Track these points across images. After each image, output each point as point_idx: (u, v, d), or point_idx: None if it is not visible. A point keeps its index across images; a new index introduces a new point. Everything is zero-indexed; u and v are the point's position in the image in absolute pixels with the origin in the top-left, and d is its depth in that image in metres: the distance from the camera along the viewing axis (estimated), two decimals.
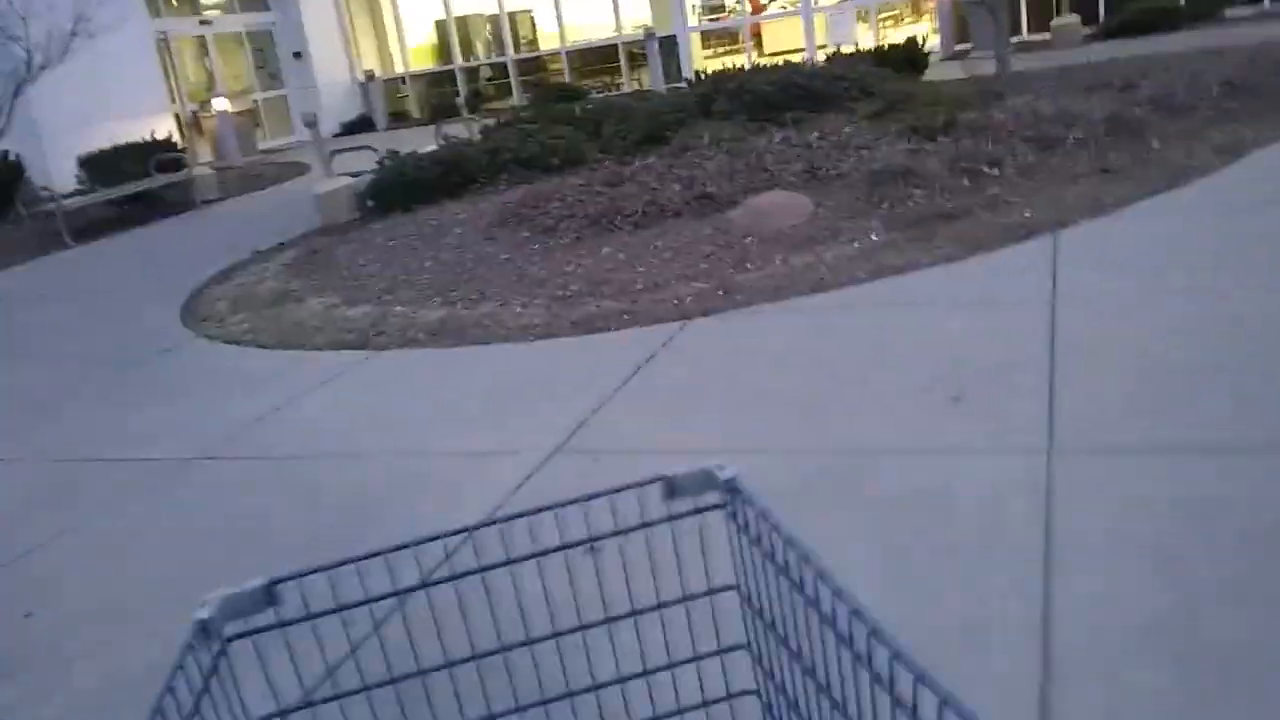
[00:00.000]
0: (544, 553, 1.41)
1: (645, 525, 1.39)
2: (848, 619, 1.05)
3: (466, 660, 1.49)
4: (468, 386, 4.72)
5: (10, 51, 13.41)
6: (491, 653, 1.50)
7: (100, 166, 13.60)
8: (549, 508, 1.36)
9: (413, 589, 1.42)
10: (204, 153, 18.85)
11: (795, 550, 1.17)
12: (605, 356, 4.74)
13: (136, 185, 12.32)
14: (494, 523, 1.37)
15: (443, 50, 22.40)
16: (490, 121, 11.67)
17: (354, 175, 9.69)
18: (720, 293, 5.39)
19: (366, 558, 1.31)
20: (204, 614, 1.25)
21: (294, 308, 6.76)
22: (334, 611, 1.35)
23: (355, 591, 1.37)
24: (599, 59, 20.91)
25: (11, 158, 12.95)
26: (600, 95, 19.89)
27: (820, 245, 5.94)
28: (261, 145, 19.01)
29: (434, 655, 1.52)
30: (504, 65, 21.51)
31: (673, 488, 1.35)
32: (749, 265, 5.78)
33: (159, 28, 17.91)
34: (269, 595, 1.29)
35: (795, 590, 1.18)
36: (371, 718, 1.53)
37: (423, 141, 14.49)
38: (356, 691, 1.46)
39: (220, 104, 16.91)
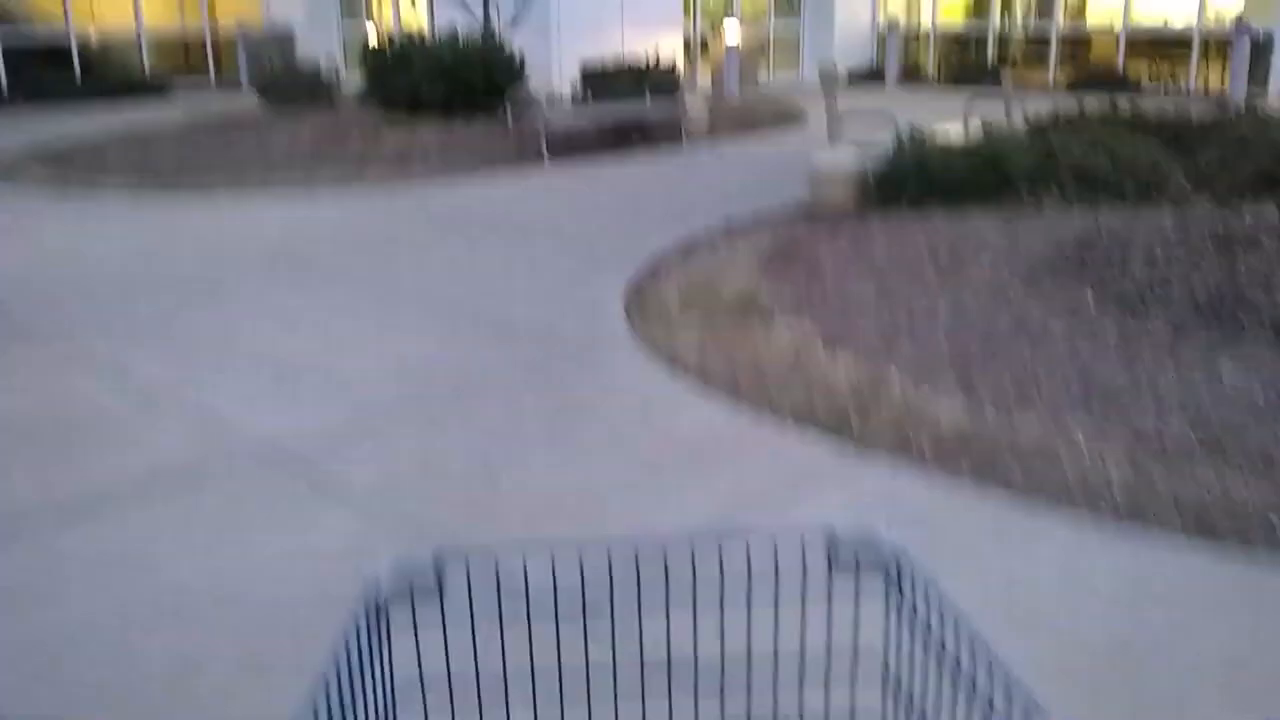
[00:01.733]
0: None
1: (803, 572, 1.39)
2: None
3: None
4: (1010, 600, 2.84)
5: None
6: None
7: (599, 79, 12.90)
8: (713, 532, 1.73)
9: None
10: (703, 77, 17.97)
11: (963, 632, 1.15)
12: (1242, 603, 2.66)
13: (629, 108, 11.38)
14: (656, 540, 1.81)
15: (977, 6, 19.85)
16: (1031, 110, 9.36)
17: (862, 146, 7.91)
18: None
19: (538, 545, 1.88)
20: (373, 581, 1.31)
21: (759, 330, 5.17)
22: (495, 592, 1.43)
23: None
24: (1161, 47, 17.39)
25: (517, 55, 12.52)
26: (1160, 92, 16.61)
27: None
28: (762, 79, 17.78)
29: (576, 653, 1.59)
30: (1044, 37, 18.59)
31: (835, 545, 1.31)
32: None
33: None
34: (436, 567, 1.33)
35: (955, 676, 1.15)
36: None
37: (939, 108, 12.40)
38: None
39: (732, 29, 15.75)
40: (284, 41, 18.22)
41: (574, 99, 12.54)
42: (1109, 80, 16.61)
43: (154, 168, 10.06)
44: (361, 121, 12.02)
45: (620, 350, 5.00)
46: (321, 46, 18.31)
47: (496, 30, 12.99)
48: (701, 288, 5.97)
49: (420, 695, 1.46)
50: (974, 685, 1.09)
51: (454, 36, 12.48)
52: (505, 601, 1.42)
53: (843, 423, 4.01)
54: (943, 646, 1.18)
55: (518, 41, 12.79)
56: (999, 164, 7.29)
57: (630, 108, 11.42)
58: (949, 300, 5.33)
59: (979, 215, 6.93)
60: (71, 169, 10.17)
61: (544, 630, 1.66)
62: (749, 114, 13.82)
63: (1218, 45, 16.53)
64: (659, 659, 1.54)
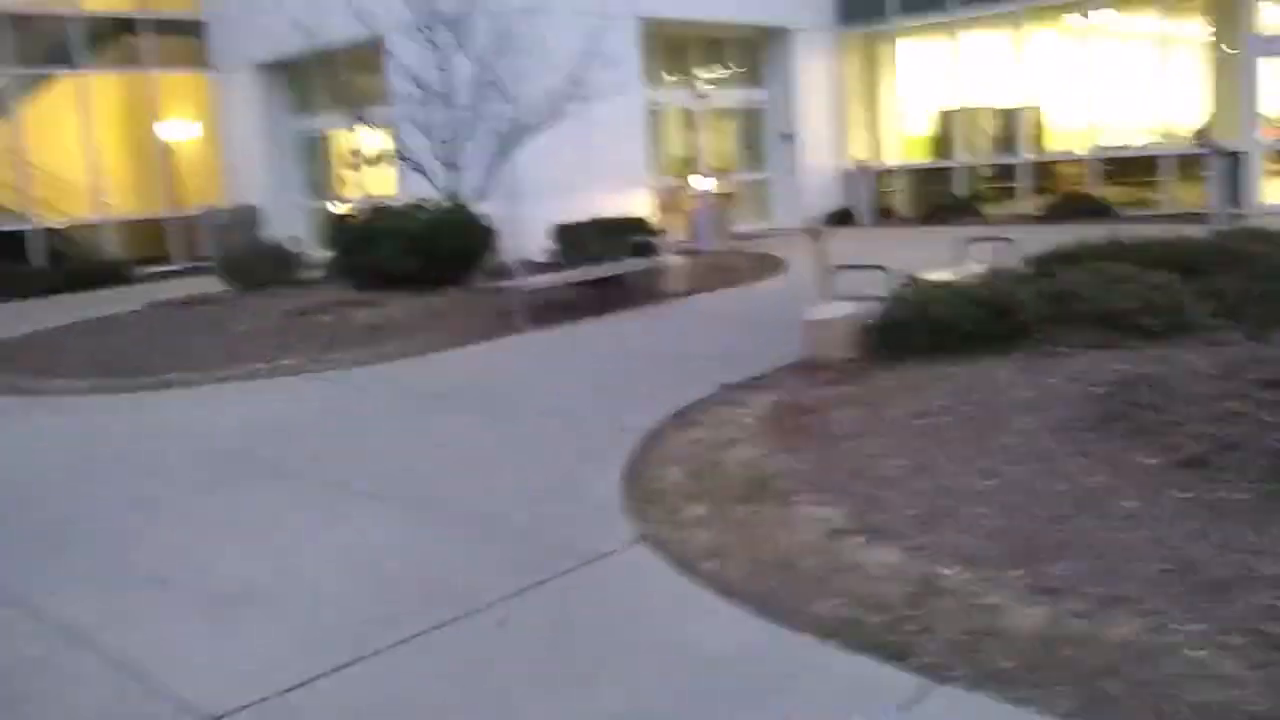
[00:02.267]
0: None
1: None
2: None
3: None
4: None
5: (503, 111, 12.81)
6: None
7: (571, 239, 12.57)
8: None
9: None
10: (675, 231, 17.77)
11: None
12: None
13: (606, 268, 10.99)
14: None
15: (941, 144, 19.99)
16: (1025, 247, 9.01)
17: (858, 299, 7.46)
18: None
19: None
20: None
21: (777, 514, 4.54)
22: None
23: None
24: (1131, 169, 17.42)
25: (487, 222, 12.20)
26: (1136, 216, 16.51)
27: None
28: (736, 229, 17.61)
29: None
30: (1010, 167, 18.66)
31: None
32: None
33: (654, 98, 17.09)
34: None
35: None
36: None
37: (918, 248, 12.11)
38: None
39: (703, 183, 15.64)
40: (248, 220, 17.95)
41: (549, 260, 12.18)
42: (1082, 206, 16.51)
43: (108, 362, 9.48)
44: (330, 299, 11.55)
45: (621, 552, 4.34)
46: (288, 223, 18.08)
47: (463, 197, 12.72)
48: (707, 466, 5.36)
49: None
50: None
51: (421, 205, 12.17)
52: None
53: (900, 642, 3.34)
54: None
55: (486, 207, 12.50)
56: (1009, 307, 6.82)
57: (607, 266, 11.03)
58: (989, 468, 4.73)
59: (995, 363, 6.41)
60: (16, 368, 9.58)
61: None
62: (727, 265, 13.49)
63: (1183, 163, 16.53)
64: None
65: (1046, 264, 7.92)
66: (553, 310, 10.54)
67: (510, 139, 12.64)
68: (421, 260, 11.41)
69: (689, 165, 18.26)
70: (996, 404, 5.61)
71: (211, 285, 14.13)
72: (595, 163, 15.24)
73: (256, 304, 11.62)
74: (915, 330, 6.87)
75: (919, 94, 20.09)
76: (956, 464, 4.84)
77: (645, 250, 12.14)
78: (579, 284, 10.79)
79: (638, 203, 15.81)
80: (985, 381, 6.06)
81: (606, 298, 11.02)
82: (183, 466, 6.11)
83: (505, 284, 10.41)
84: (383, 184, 17.16)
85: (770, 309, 9.99)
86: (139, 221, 18.92)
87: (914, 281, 7.39)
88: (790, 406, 6.28)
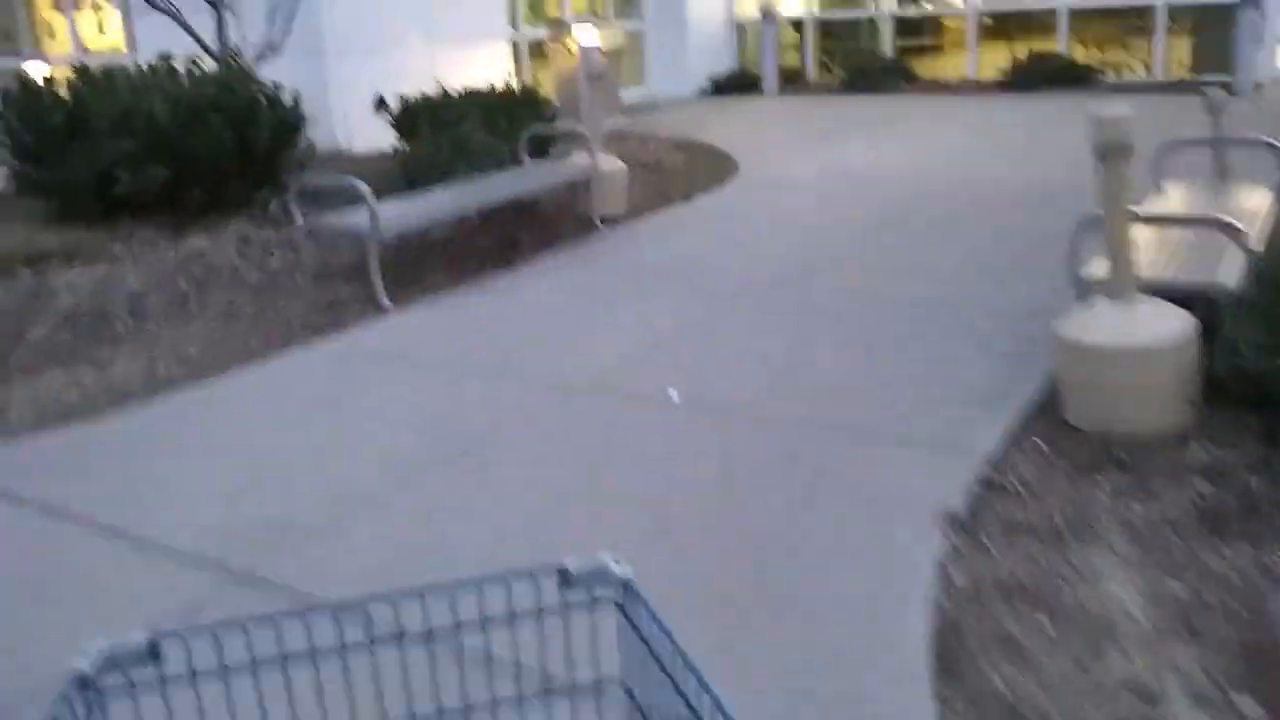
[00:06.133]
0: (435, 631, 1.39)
1: (539, 612, 1.37)
2: None
3: None
4: None
5: None
6: None
7: (423, 123, 7.89)
8: (445, 586, 1.33)
9: (298, 655, 1.33)
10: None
11: (680, 654, 1.21)
12: None
13: (493, 185, 6.55)
14: (387, 598, 1.32)
15: None
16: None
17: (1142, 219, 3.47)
18: None
19: (259, 620, 1.29)
20: (83, 665, 1.22)
21: None
22: (216, 672, 1.29)
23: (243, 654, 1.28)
24: (1110, 23, 13.90)
25: (287, 96, 7.38)
26: (1121, 82, 13.14)
27: None
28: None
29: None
30: (959, 15, 14.83)
31: (567, 579, 1.34)
32: None
33: None
34: (152, 650, 1.26)
35: (677, 693, 1.21)
36: None
37: (874, 132, 8.25)
38: None
39: (585, 34, 11.05)
40: None
41: (394, 158, 7.53)
42: (1053, 71, 12.96)
43: None
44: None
45: None
46: None
47: (242, 60, 7.83)
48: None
49: None
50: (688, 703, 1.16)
51: (172, 69, 7.26)
52: (244, 678, 1.29)
53: None
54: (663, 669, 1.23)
55: (276, 70, 7.68)
56: None
57: (500, 184, 6.58)
58: None
59: None
60: None
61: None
62: (651, 160, 9.19)
63: (1178, 15, 13.15)
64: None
65: None
66: (426, 265, 6.10)
67: None
68: (177, 168, 6.63)
69: (548, 11, 13.58)
70: None
71: None
72: (437, 4, 10.46)
73: None
74: None
75: None
76: None
77: (548, 145, 7.74)
78: (461, 215, 6.33)
79: (495, 62, 11.15)
80: None
81: (511, 235, 6.63)
82: None
83: (334, 220, 5.83)
84: (106, 33, 11.73)
85: (802, 250, 5.93)
86: None
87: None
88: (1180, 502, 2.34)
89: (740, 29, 15.88)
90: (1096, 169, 3.26)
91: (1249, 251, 3.52)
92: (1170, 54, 13.23)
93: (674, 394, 4.06)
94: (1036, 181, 7.64)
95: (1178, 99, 11.55)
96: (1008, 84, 13.16)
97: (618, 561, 1.35)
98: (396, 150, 7.81)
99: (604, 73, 7.64)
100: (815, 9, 15.73)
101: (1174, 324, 3.30)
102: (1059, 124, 10.38)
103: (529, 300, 5.57)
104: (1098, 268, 3.63)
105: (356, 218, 5.56)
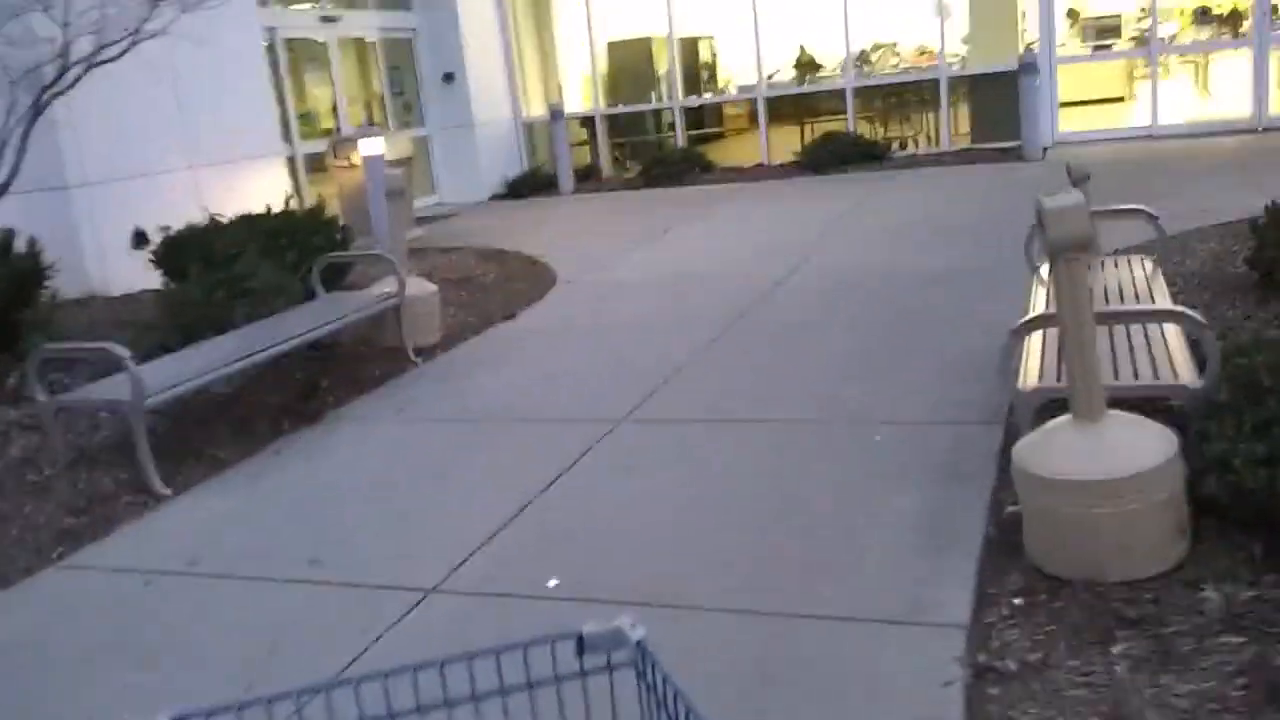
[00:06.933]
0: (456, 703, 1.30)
1: (557, 680, 1.34)
2: None
3: None
4: None
5: (34, 35, 6.82)
6: None
7: (194, 259, 6.80)
8: (462, 657, 1.31)
9: None
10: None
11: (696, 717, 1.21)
12: None
13: (284, 326, 5.58)
14: (405, 670, 1.28)
15: (646, 82, 15.76)
16: None
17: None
18: None
19: (279, 696, 1.26)
20: None
21: None
22: None
23: None
24: (892, 98, 14.13)
25: (21, 242, 6.19)
26: (907, 155, 13.35)
27: None
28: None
29: None
30: (748, 100, 14.77)
31: (583, 645, 1.31)
32: None
33: (270, 23, 11.31)
34: None
35: None
36: None
37: (714, 230, 7.84)
38: None
39: (370, 145, 10.20)
40: None
41: (160, 303, 6.40)
42: (848, 149, 12.99)
43: None
44: None
45: None
46: None
47: None
48: None
49: None
50: None
51: None
52: None
53: None
54: None
55: (7, 220, 6.48)
56: None
57: (291, 323, 5.61)
58: None
59: None
60: None
61: None
62: (462, 275, 8.37)
63: (958, 85, 13.51)
64: None
65: None
66: (210, 430, 5.04)
67: (50, 87, 6.60)
68: None
69: (322, 124, 12.68)
70: None
71: None
72: (200, 122, 9.40)
73: None
74: None
75: (610, 18, 15.57)
76: None
77: (345, 273, 6.83)
78: (246, 368, 5.29)
79: (271, 182, 10.11)
80: None
81: (312, 381, 5.65)
82: None
83: (89, 392, 4.71)
84: None
85: (634, 370, 5.22)
86: None
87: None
88: None
89: (529, 128, 15.40)
90: (1033, 267, 2.69)
91: (1211, 348, 3.03)
92: (955, 125, 13.54)
93: (553, 582, 3.24)
94: (876, 265, 7.28)
95: (973, 168, 11.76)
96: (803, 164, 13.10)
97: (633, 625, 1.33)
98: (161, 292, 6.69)
99: (403, 188, 6.78)
100: (601, 105, 15.41)
101: (1157, 443, 2.75)
102: (865, 201, 10.25)
103: (342, 463, 4.62)
104: (1034, 380, 3.07)
105: (116, 388, 4.49)
